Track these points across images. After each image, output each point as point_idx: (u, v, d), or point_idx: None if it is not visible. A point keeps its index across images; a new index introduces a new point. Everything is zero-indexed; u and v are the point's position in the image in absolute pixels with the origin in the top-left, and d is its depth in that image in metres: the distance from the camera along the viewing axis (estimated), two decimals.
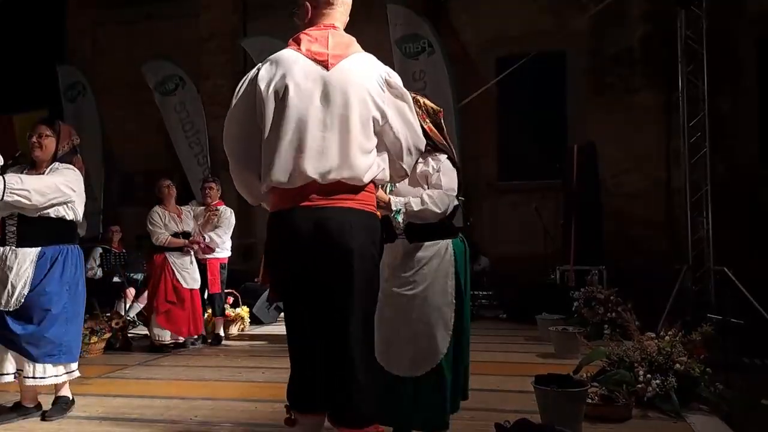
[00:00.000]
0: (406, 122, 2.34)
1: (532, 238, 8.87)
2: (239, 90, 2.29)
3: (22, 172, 3.56)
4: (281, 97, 2.17)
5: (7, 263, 3.49)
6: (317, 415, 2.25)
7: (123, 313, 6.58)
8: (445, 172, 2.77)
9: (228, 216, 6.39)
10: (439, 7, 10.35)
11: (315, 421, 2.26)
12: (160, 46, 10.97)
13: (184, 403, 3.86)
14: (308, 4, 2.32)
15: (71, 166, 3.64)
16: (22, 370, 3.48)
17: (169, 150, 10.70)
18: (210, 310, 6.54)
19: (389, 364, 2.74)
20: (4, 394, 3.94)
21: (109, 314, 6.39)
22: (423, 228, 2.78)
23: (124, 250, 7.79)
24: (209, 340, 6.40)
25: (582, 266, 7.78)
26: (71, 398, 3.69)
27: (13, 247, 3.51)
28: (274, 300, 2.43)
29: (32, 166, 3.63)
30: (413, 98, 2.59)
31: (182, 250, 6.06)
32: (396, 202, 2.66)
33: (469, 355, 2.97)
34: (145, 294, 7.04)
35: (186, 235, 6.13)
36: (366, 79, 2.23)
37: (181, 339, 5.99)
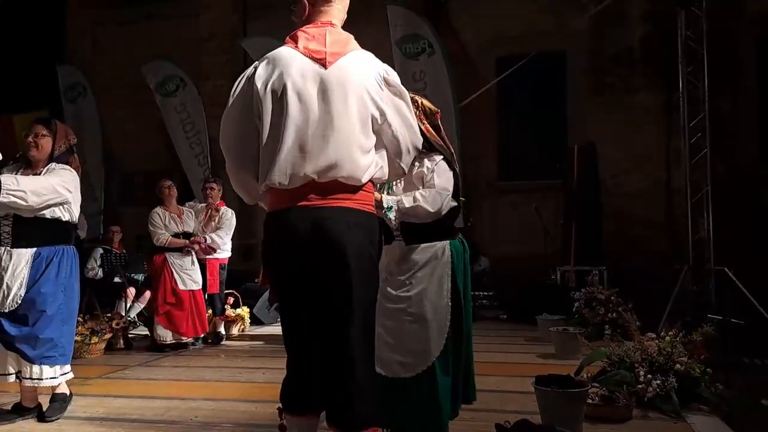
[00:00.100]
0: (405, 121, 2.33)
1: (532, 238, 8.88)
2: (236, 88, 2.27)
3: (17, 172, 3.54)
4: (279, 96, 2.15)
5: (2, 264, 3.48)
6: (312, 417, 2.23)
7: (123, 314, 6.58)
8: (439, 173, 2.76)
9: (229, 217, 6.40)
10: (439, 8, 10.35)
11: (310, 422, 2.24)
12: (160, 46, 10.97)
13: (184, 404, 3.86)
14: (306, 1, 2.30)
15: (67, 167, 3.62)
16: (20, 372, 3.48)
17: (169, 150, 10.70)
18: (210, 311, 6.54)
19: (380, 365, 2.71)
20: (4, 395, 3.94)
21: (109, 315, 6.39)
22: (419, 229, 2.77)
23: (124, 251, 7.79)
24: (209, 341, 6.40)
25: (582, 267, 7.78)
26: (69, 393, 3.67)
27: (8, 248, 3.49)
28: (274, 301, 2.39)
29: (28, 165, 3.61)
30: (411, 98, 2.58)
31: (183, 251, 6.07)
32: (388, 200, 2.66)
33: (472, 358, 2.95)
34: (146, 294, 7.07)
35: (186, 235, 6.15)
36: (364, 77, 2.21)
37: (184, 339, 6.00)
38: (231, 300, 7.00)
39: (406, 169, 2.45)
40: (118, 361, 5.45)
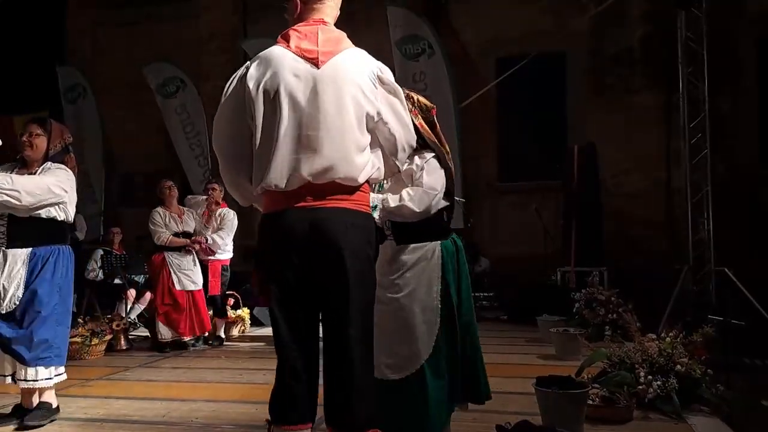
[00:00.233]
0: (400, 119, 2.31)
1: (533, 238, 8.87)
2: (228, 89, 2.24)
3: (12, 172, 3.52)
4: (271, 96, 2.12)
5: None
6: (304, 427, 2.15)
7: (124, 315, 6.58)
8: (429, 171, 2.71)
9: (231, 218, 6.40)
10: (439, 8, 10.36)
11: None
12: (160, 47, 10.98)
13: (185, 405, 3.86)
14: None
15: (63, 166, 3.60)
16: (15, 373, 3.46)
17: (169, 150, 10.71)
18: (211, 312, 6.55)
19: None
20: (5, 396, 3.94)
21: (110, 316, 6.39)
22: (410, 229, 2.73)
23: (124, 252, 7.79)
24: (210, 342, 6.40)
25: (583, 267, 7.78)
26: (55, 405, 3.59)
27: (3, 248, 3.48)
28: (264, 303, 2.31)
29: (24, 165, 3.59)
30: (406, 95, 2.55)
31: (182, 250, 6.07)
32: (373, 198, 2.59)
33: (479, 358, 2.91)
34: (146, 296, 7.08)
35: (187, 235, 6.16)
36: (358, 75, 2.18)
37: (184, 338, 6.02)
38: (231, 301, 7.00)
39: (402, 167, 2.43)
40: (119, 362, 5.45)
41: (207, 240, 6.23)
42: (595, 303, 6.05)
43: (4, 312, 3.42)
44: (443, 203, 2.81)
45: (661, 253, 8.61)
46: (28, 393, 3.54)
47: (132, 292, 7.18)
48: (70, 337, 5.40)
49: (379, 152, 2.30)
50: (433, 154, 2.77)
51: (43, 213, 3.48)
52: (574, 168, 8.38)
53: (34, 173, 3.52)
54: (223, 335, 6.57)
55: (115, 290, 7.27)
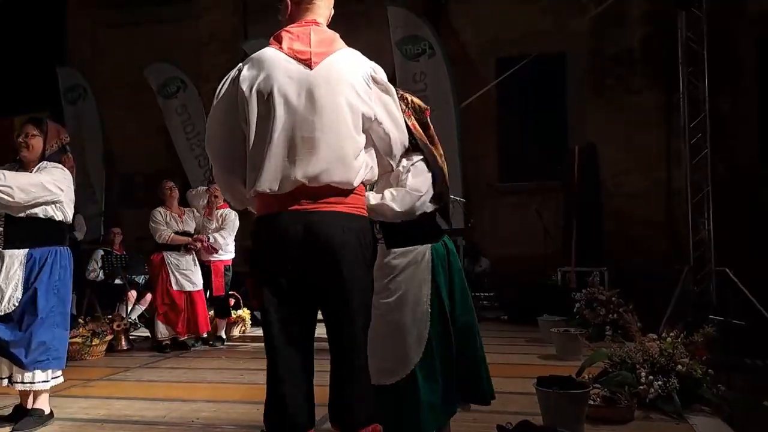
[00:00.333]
0: (393, 119, 2.31)
1: (533, 239, 8.87)
2: (220, 91, 2.22)
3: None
4: (265, 99, 2.10)
5: None
6: None
7: (124, 316, 6.59)
8: (415, 173, 2.68)
9: (232, 219, 6.40)
10: (439, 8, 10.36)
11: None
12: (160, 48, 10.98)
13: (185, 405, 3.86)
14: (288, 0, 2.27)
15: (59, 165, 3.57)
16: (11, 376, 3.42)
17: (170, 150, 10.72)
18: (213, 312, 6.55)
19: None
20: (6, 397, 3.94)
21: (110, 316, 6.39)
22: (400, 233, 2.71)
23: (125, 253, 7.79)
24: (211, 342, 6.40)
25: (583, 267, 7.78)
26: (48, 412, 3.54)
27: (0, 249, 3.45)
28: (256, 307, 2.26)
29: (21, 166, 3.57)
30: (401, 96, 2.55)
31: (181, 249, 6.07)
32: None
33: (481, 359, 2.88)
34: (147, 296, 7.08)
35: (187, 235, 6.16)
36: (352, 76, 2.17)
37: (181, 338, 6.03)
38: (232, 301, 7.00)
39: (395, 166, 2.43)
40: (120, 362, 5.45)
41: (209, 239, 6.24)
42: (596, 303, 6.05)
43: (2, 314, 3.38)
44: (431, 206, 2.77)
45: (662, 253, 8.61)
46: (26, 394, 3.53)
47: (133, 293, 7.18)
48: (71, 338, 5.40)
49: (373, 152, 2.29)
50: (421, 157, 2.74)
51: (41, 213, 3.45)
52: (574, 168, 8.38)
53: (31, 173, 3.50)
54: (224, 335, 6.57)
55: (115, 291, 7.28)
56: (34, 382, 3.41)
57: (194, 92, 10.56)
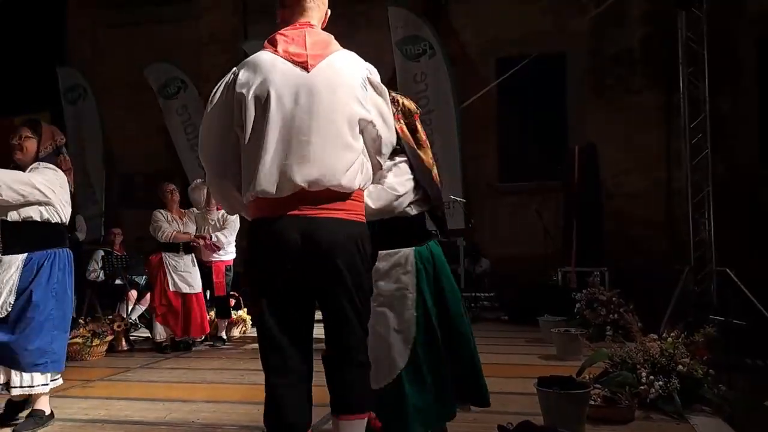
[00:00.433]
0: (386, 119, 2.32)
1: (533, 239, 8.87)
2: (214, 96, 2.20)
3: None
4: (262, 103, 2.09)
5: None
6: None
7: (125, 316, 6.59)
8: (396, 173, 2.67)
9: (233, 219, 6.41)
10: (439, 9, 10.36)
11: None
12: (160, 48, 10.98)
13: (186, 406, 3.86)
14: (283, 2, 2.27)
15: (52, 166, 3.53)
16: (8, 383, 3.37)
17: (170, 150, 10.72)
18: (213, 312, 6.55)
19: None
20: (6, 399, 3.93)
21: (111, 317, 6.39)
22: (383, 236, 2.67)
23: (125, 253, 7.79)
24: (211, 342, 6.40)
25: (583, 268, 7.78)
26: (48, 413, 3.51)
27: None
28: (254, 313, 2.22)
29: (16, 168, 3.52)
30: (392, 98, 2.55)
31: (180, 251, 6.05)
32: None
33: (475, 361, 2.85)
34: (147, 296, 7.07)
35: None
36: (350, 78, 2.17)
37: (177, 339, 6.03)
38: (232, 302, 7.00)
39: (383, 165, 2.44)
40: (120, 363, 5.45)
41: (211, 237, 6.24)
42: (596, 303, 6.06)
43: None
44: (415, 209, 2.74)
45: (662, 253, 8.62)
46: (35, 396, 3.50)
47: (133, 293, 7.18)
48: (71, 338, 5.42)
49: (366, 153, 2.30)
50: (405, 159, 2.72)
51: (36, 216, 3.42)
52: (574, 168, 8.38)
53: None
54: (225, 336, 6.57)
55: (116, 291, 7.27)
56: (33, 386, 3.39)
57: (194, 92, 10.56)
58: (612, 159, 9.14)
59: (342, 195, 2.13)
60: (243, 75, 2.13)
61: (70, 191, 3.66)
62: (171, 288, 5.98)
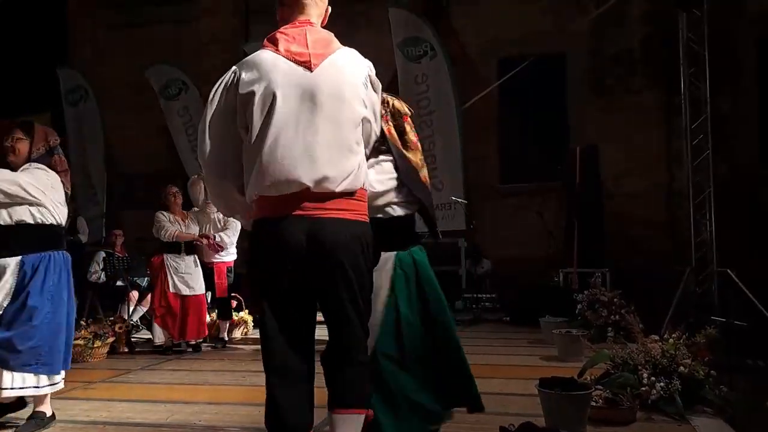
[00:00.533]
0: (377, 116, 2.34)
1: (535, 240, 8.87)
2: (214, 96, 2.18)
3: None
4: (267, 104, 2.07)
5: None
6: None
7: (126, 318, 6.59)
8: (377, 170, 2.65)
9: (234, 219, 6.39)
10: (440, 9, 10.36)
11: None
12: (161, 49, 10.99)
13: (187, 408, 3.86)
14: (281, 0, 2.27)
15: (42, 167, 3.48)
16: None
17: (171, 151, 10.73)
18: (215, 314, 6.55)
19: None
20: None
21: (112, 318, 6.40)
22: None
23: (127, 254, 7.79)
24: (212, 344, 6.40)
25: (585, 269, 7.78)
26: (50, 414, 3.50)
27: None
28: (257, 313, 2.17)
29: (9, 171, 3.47)
30: (382, 99, 2.55)
31: (182, 252, 6.05)
32: None
33: (460, 367, 2.76)
34: (148, 298, 7.07)
35: None
36: (353, 77, 2.17)
37: (175, 341, 6.02)
38: (234, 303, 7.00)
39: (368, 155, 2.44)
40: (121, 365, 5.45)
41: (215, 237, 6.24)
42: (598, 304, 6.05)
43: None
44: (399, 210, 2.71)
45: (662, 254, 8.60)
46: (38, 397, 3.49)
47: (134, 294, 7.18)
48: (73, 340, 5.42)
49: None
50: (390, 159, 2.71)
51: (29, 218, 3.39)
52: (575, 169, 8.38)
53: None
54: (226, 337, 6.57)
55: (117, 292, 7.28)
56: (24, 387, 3.35)
57: (196, 93, 10.57)
58: (613, 159, 9.14)
59: (346, 195, 2.13)
60: (245, 75, 2.12)
61: (66, 192, 3.62)
62: (171, 289, 5.97)
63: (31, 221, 3.41)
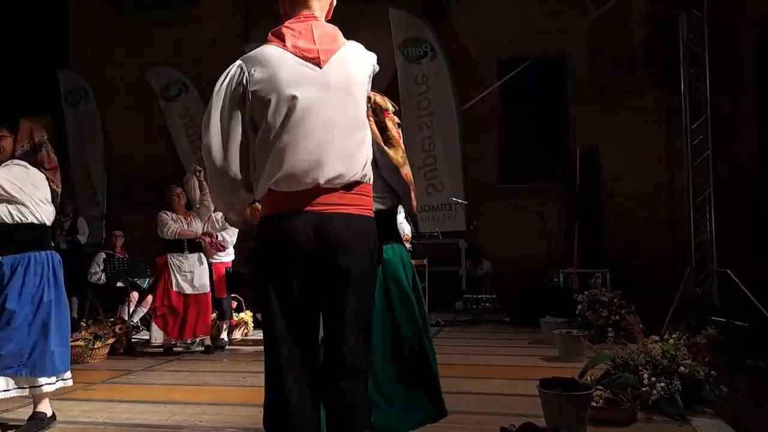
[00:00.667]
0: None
1: (535, 240, 8.87)
2: (219, 91, 2.14)
3: None
4: (277, 101, 2.05)
5: None
6: None
7: (127, 318, 6.59)
8: None
9: None
10: (440, 10, 10.37)
11: None
12: (161, 50, 11.01)
13: (188, 408, 3.86)
14: None
15: (23, 163, 3.38)
16: None
17: (171, 152, 10.74)
18: (215, 314, 6.54)
19: None
20: (9, 401, 3.93)
21: (112, 319, 6.40)
22: None
23: (127, 255, 7.79)
24: (213, 345, 6.39)
25: (585, 269, 7.78)
26: (50, 414, 3.46)
27: None
28: (260, 310, 2.14)
29: None
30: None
31: (185, 251, 6.04)
32: None
33: (430, 381, 2.74)
34: (148, 299, 7.07)
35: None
36: (360, 74, 2.17)
37: (173, 341, 6.01)
38: (234, 304, 7.00)
39: None
40: (122, 365, 5.45)
41: (217, 236, 6.24)
42: (598, 305, 6.05)
43: None
44: (376, 206, 2.63)
45: (662, 254, 8.61)
46: (39, 398, 3.47)
47: (134, 295, 7.18)
48: (73, 341, 5.42)
49: None
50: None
51: (6, 218, 3.30)
52: (575, 169, 8.39)
53: None
54: (226, 338, 6.57)
55: (117, 293, 7.28)
56: (8, 389, 3.30)
57: (196, 94, 10.59)
58: (613, 160, 9.14)
59: (354, 190, 2.12)
60: (255, 72, 2.10)
61: (55, 190, 3.52)
62: (174, 288, 5.97)
63: (9, 221, 3.31)
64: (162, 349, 6.01)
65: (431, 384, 2.73)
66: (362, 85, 2.17)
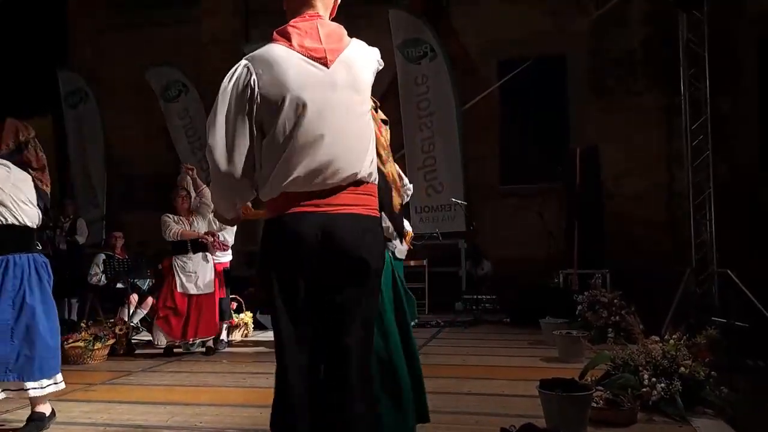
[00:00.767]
0: None
1: (535, 241, 8.88)
2: (225, 90, 2.12)
3: None
4: (284, 101, 2.04)
5: None
6: None
7: (126, 320, 6.59)
8: None
9: None
10: (440, 10, 10.37)
11: None
12: (161, 51, 11.01)
13: (188, 409, 3.86)
14: None
15: (6, 163, 3.29)
16: None
17: (171, 152, 10.74)
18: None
19: None
20: (10, 401, 3.93)
21: (112, 320, 6.39)
22: None
23: (127, 257, 7.78)
24: (213, 347, 6.38)
25: (585, 269, 7.78)
26: (49, 413, 3.44)
27: None
28: (267, 311, 2.11)
29: None
30: None
31: (189, 251, 6.04)
32: None
33: (415, 381, 2.75)
34: (148, 300, 7.07)
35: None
36: (366, 73, 2.17)
37: (176, 342, 6.00)
38: (234, 305, 6.99)
39: None
40: (122, 366, 5.44)
41: (219, 237, 6.24)
42: (598, 305, 6.05)
43: None
44: None
45: (662, 254, 8.61)
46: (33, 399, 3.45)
47: (134, 297, 7.17)
48: (73, 342, 5.43)
49: None
50: None
51: None
52: (576, 170, 8.39)
53: None
54: (226, 339, 6.56)
55: (117, 295, 7.27)
56: None
57: (196, 95, 10.59)
58: (613, 160, 9.15)
59: (360, 190, 2.12)
60: (263, 74, 2.08)
61: (43, 190, 3.45)
62: (178, 289, 5.96)
63: None
64: (162, 350, 6.00)
65: (400, 395, 2.68)
66: (368, 84, 2.17)
